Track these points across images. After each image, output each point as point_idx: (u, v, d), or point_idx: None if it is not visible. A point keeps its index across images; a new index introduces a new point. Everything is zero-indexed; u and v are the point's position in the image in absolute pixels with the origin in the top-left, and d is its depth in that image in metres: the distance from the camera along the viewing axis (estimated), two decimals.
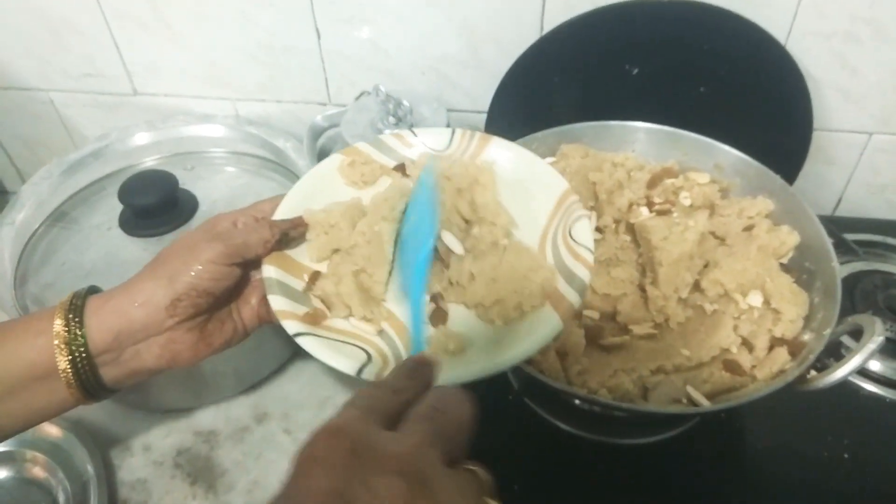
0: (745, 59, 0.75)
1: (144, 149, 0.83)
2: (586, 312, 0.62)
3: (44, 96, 0.93)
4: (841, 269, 0.59)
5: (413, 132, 0.58)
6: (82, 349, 0.44)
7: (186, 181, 0.74)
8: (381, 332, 0.48)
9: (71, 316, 0.44)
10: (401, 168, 0.57)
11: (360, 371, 0.44)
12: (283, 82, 0.88)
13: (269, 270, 0.48)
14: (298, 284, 0.49)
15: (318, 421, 0.69)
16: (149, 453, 0.70)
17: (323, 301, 0.49)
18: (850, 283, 0.77)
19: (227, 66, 0.87)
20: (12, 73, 0.91)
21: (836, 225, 0.78)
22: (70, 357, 0.43)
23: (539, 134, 0.71)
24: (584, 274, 0.47)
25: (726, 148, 0.69)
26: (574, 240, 0.49)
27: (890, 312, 0.74)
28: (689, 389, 0.55)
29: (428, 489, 0.27)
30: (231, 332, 0.50)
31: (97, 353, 0.44)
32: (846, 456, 0.65)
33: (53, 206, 0.78)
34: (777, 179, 0.66)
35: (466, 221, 0.53)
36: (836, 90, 0.79)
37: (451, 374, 0.42)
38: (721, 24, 0.74)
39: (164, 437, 0.71)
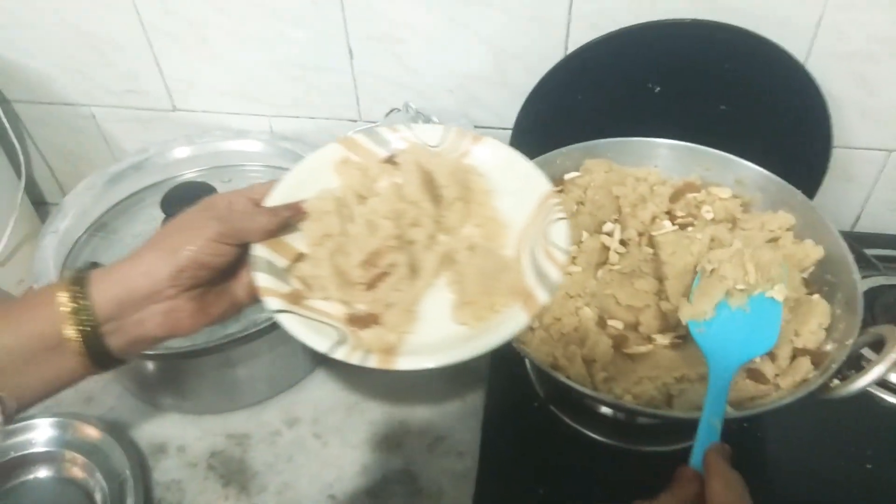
0: (765, 78, 0.77)
1: (183, 162, 0.86)
2: (611, 323, 0.64)
3: (86, 111, 0.97)
4: (862, 284, 0.60)
5: (409, 126, 0.59)
6: (89, 318, 0.45)
7: None
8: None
9: (76, 288, 0.45)
10: (390, 159, 0.58)
11: (331, 348, 0.45)
12: (316, 99, 0.90)
13: (258, 249, 0.50)
14: (283, 264, 0.51)
15: (346, 426, 0.72)
16: (183, 455, 0.72)
17: (302, 282, 0.51)
18: (871, 297, 0.77)
19: (263, 84, 0.90)
20: (56, 88, 0.94)
21: (856, 240, 0.79)
22: (78, 326, 0.45)
23: (564, 149, 0.73)
24: (555, 274, 0.48)
25: (747, 163, 0.71)
26: (550, 241, 0.50)
27: None
28: None
29: None
30: (228, 304, 0.51)
31: (103, 321, 0.46)
32: (869, 467, 0.65)
33: (95, 215, 0.81)
34: (798, 194, 0.68)
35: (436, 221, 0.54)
36: (855, 108, 0.81)
37: (411, 360, 0.46)
38: (742, 44, 0.75)
39: (198, 440, 0.73)
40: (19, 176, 0.89)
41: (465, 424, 0.72)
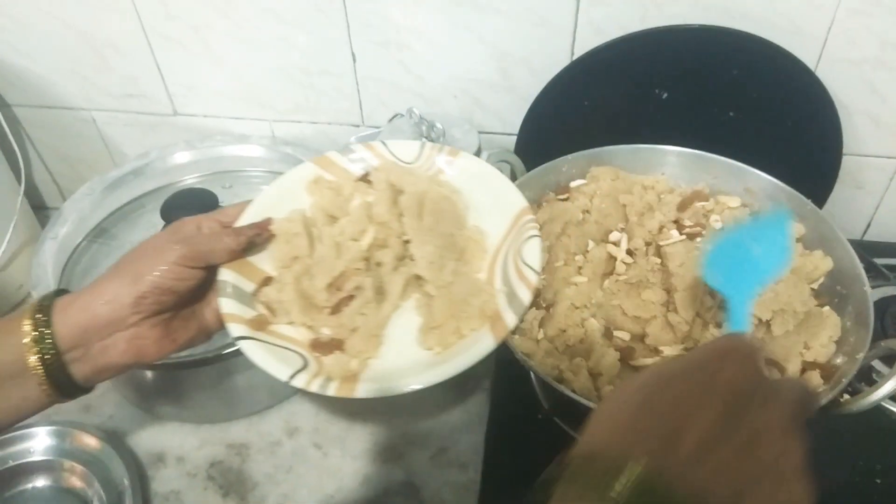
0: (774, 85, 0.76)
1: (184, 167, 0.85)
2: (617, 334, 0.63)
3: (86, 115, 0.96)
4: (872, 295, 0.59)
5: (384, 143, 0.59)
6: (50, 347, 0.45)
7: (225, 199, 0.76)
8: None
9: (39, 316, 0.45)
10: (364, 178, 0.57)
11: (292, 377, 0.44)
12: (319, 104, 0.90)
13: (224, 273, 0.50)
14: (251, 288, 0.50)
15: (348, 437, 0.71)
16: (182, 465, 0.71)
17: (267, 307, 0.50)
18: (881, 307, 0.76)
19: (265, 88, 0.89)
20: (56, 92, 0.94)
21: (865, 249, 0.78)
22: (39, 355, 0.44)
23: (569, 156, 0.72)
24: (524, 295, 0.47)
25: (757, 172, 0.70)
26: (522, 260, 0.49)
27: None
28: None
29: (795, 439, 0.33)
30: (195, 330, 0.51)
31: (65, 350, 0.45)
32: (878, 482, 0.64)
33: (95, 222, 0.80)
34: (808, 203, 0.67)
35: (406, 242, 0.53)
36: (866, 116, 0.80)
37: (372, 387, 0.46)
38: (751, 50, 0.74)
39: (198, 450, 0.72)
40: (19, 180, 0.89)
41: (468, 436, 0.71)
